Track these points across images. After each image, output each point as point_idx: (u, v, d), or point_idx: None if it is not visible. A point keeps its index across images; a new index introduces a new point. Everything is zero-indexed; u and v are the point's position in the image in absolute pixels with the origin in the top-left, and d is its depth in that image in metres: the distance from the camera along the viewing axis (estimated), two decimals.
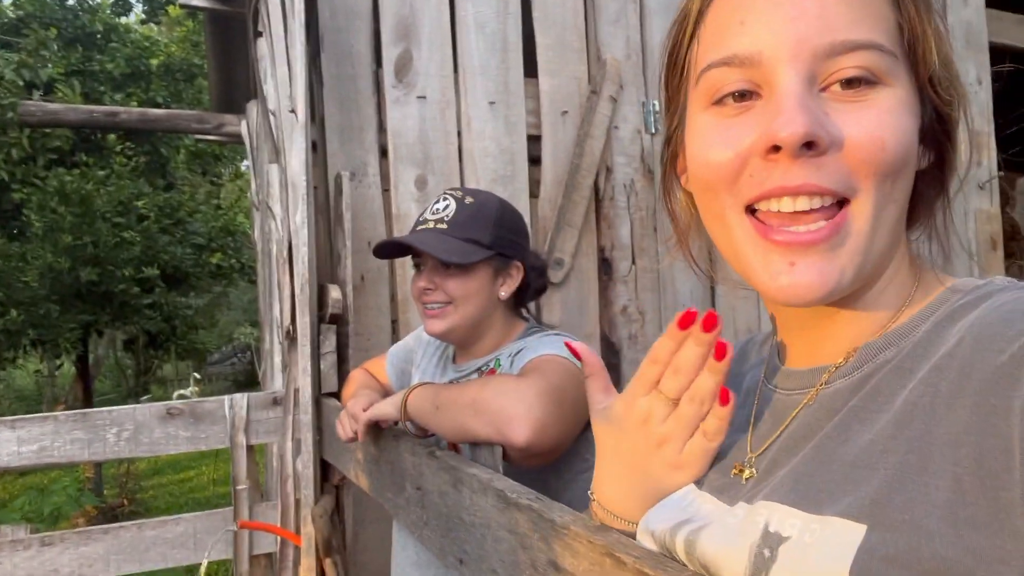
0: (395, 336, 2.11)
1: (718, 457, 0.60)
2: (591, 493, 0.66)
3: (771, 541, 0.45)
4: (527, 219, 1.55)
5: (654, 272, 2.38)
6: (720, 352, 0.53)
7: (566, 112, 2.33)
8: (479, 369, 1.27)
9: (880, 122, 0.47)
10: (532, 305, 1.41)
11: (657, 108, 2.42)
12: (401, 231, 2.11)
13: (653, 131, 2.41)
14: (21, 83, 6.50)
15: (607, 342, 2.34)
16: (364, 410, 1.21)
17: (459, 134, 2.21)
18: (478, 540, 0.86)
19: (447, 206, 1.25)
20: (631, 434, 0.58)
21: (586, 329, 2.30)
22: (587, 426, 1.16)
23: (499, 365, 1.24)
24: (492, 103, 2.23)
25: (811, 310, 0.53)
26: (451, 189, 1.30)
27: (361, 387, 1.37)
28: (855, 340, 0.52)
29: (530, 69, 2.30)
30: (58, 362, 10.14)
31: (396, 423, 1.20)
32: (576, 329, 2.25)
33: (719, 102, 0.51)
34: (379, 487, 1.30)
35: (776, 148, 0.47)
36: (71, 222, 6.29)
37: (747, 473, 0.55)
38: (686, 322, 0.55)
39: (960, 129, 0.52)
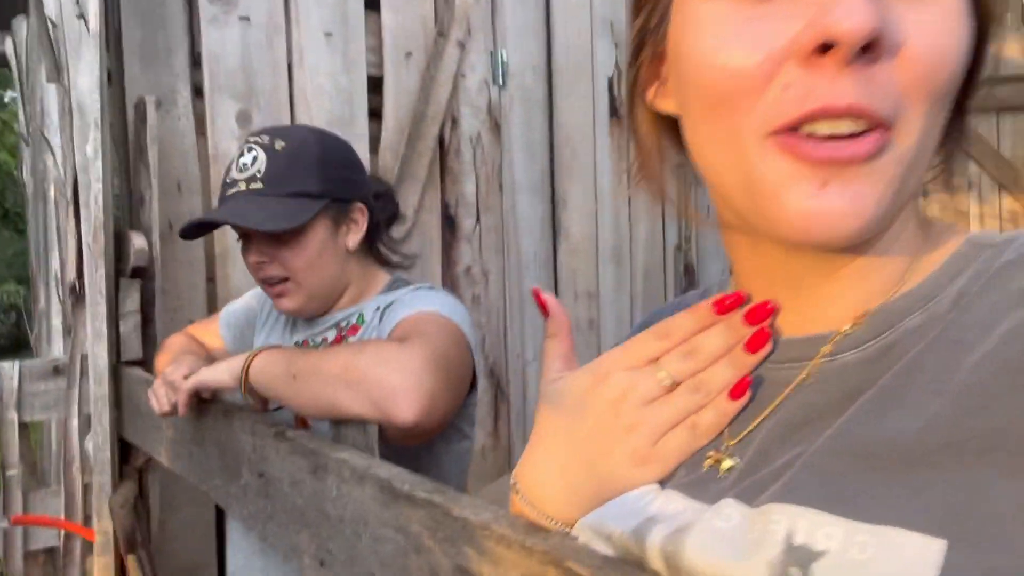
0: (211, 296, 1.84)
1: None
2: (513, 483, 0.52)
3: (799, 556, 0.35)
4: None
5: (499, 232, 2.29)
6: (757, 342, 0.43)
7: (410, 54, 2.14)
8: (337, 324, 1.09)
9: (944, 28, 0.37)
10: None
11: (506, 59, 2.30)
12: (219, 173, 1.82)
13: (501, 83, 2.29)
14: None
15: None
16: (186, 377, 0.98)
17: (290, 67, 1.95)
18: (348, 539, 0.71)
19: (255, 158, 1.01)
20: (593, 415, 0.46)
21: None
22: (470, 391, 1.03)
23: (362, 321, 1.06)
24: (328, 34, 1.99)
25: (810, 262, 0.43)
26: (254, 135, 1.05)
27: (181, 353, 1.13)
28: (863, 303, 0.43)
29: (372, 2, 2.08)
30: None
31: (236, 395, 0.98)
32: None
33: None
34: (202, 473, 1.09)
35: (824, 48, 0.35)
36: None
37: (726, 464, 0.44)
38: (726, 306, 0.45)
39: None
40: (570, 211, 2.46)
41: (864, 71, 0.35)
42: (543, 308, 0.51)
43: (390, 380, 0.80)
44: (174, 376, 1.00)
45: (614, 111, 2.56)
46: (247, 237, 1.05)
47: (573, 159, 2.47)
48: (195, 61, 1.84)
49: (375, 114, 2.10)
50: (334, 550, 0.74)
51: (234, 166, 1.03)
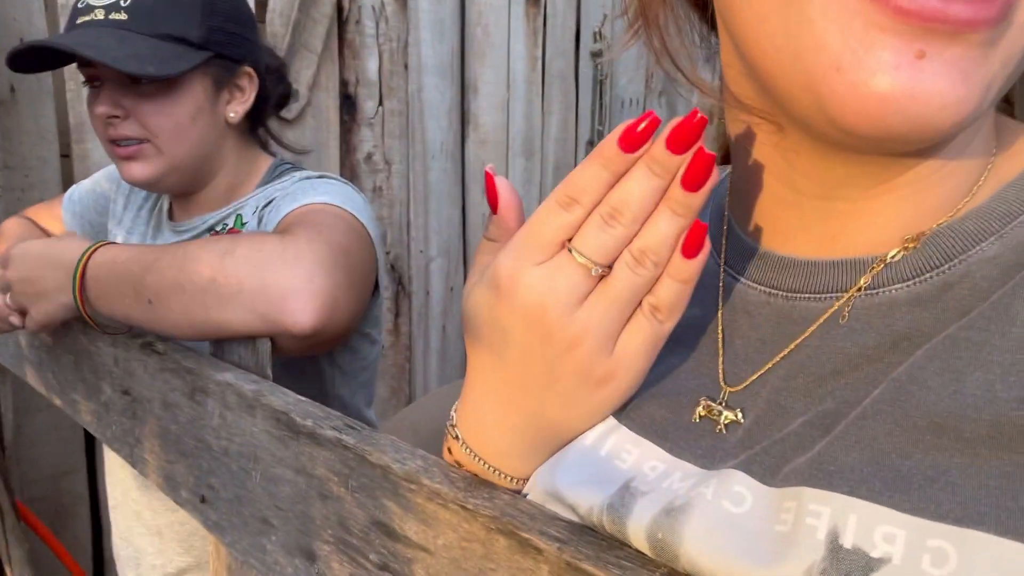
0: (67, 174, 1.58)
1: (654, 378, 0.39)
2: (451, 424, 0.42)
3: (850, 565, 0.26)
4: None
5: (403, 116, 2.09)
6: (697, 172, 0.31)
7: None
8: (211, 228, 0.92)
9: None
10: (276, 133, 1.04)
11: None
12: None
13: None
14: None
15: None
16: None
17: None
18: (235, 475, 0.59)
19: None
20: (515, 340, 0.35)
21: None
22: (374, 293, 0.90)
23: (241, 223, 0.90)
24: None
25: (854, 170, 0.32)
26: None
27: (17, 243, 0.92)
28: (916, 221, 0.33)
29: None
30: None
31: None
32: None
33: None
34: (57, 385, 0.92)
35: None
36: None
37: (726, 416, 0.35)
38: (635, 138, 0.31)
39: None
40: (480, 98, 2.29)
41: None
42: (492, 197, 0.39)
43: (276, 282, 0.65)
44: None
45: None
46: (96, 81, 0.84)
47: (485, 40, 2.27)
48: None
49: None
50: (217, 487, 0.62)
51: None
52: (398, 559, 0.44)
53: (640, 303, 0.34)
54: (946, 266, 0.31)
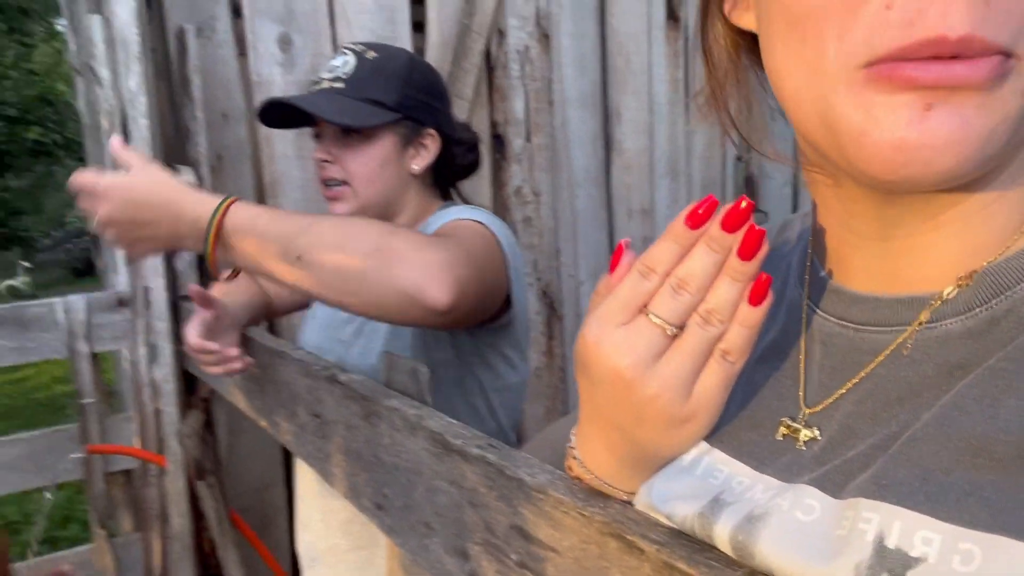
0: None
1: (740, 398, 0.45)
2: (571, 446, 0.50)
3: (892, 562, 0.31)
4: None
5: (549, 149, 2.21)
6: (750, 245, 0.37)
7: None
8: None
9: None
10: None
11: None
12: (263, 100, 1.79)
13: None
14: None
15: None
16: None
17: None
18: (404, 486, 0.70)
19: (345, 62, 1.03)
20: (604, 387, 0.41)
21: None
22: (507, 312, 1.01)
23: None
24: None
25: (902, 208, 0.37)
26: (351, 43, 1.07)
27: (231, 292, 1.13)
28: (969, 260, 0.37)
29: None
30: None
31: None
32: None
33: None
34: (263, 410, 1.10)
35: None
36: None
37: (804, 435, 0.40)
38: (699, 218, 0.38)
39: None
40: (624, 124, 2.35)
41: None
42: (613, 264, 0.46)
43: (428, 262, 0.78)
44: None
45: (671, 13, 2.40)
46: (319, 136, 1.07)
47: (627, 69, 2.34)
48: None
49: (419, 29, 2.01)
50: (390, 496, 0.74)
51: (324, 68, 1.06)
52: (533, 558, 0.52)
53: (712, 352, 0.40)
54: (993, 301, 0.35)
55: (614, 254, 0.46)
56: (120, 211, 0.85)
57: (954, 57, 0.29)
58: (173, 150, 1.71)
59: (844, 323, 0.41)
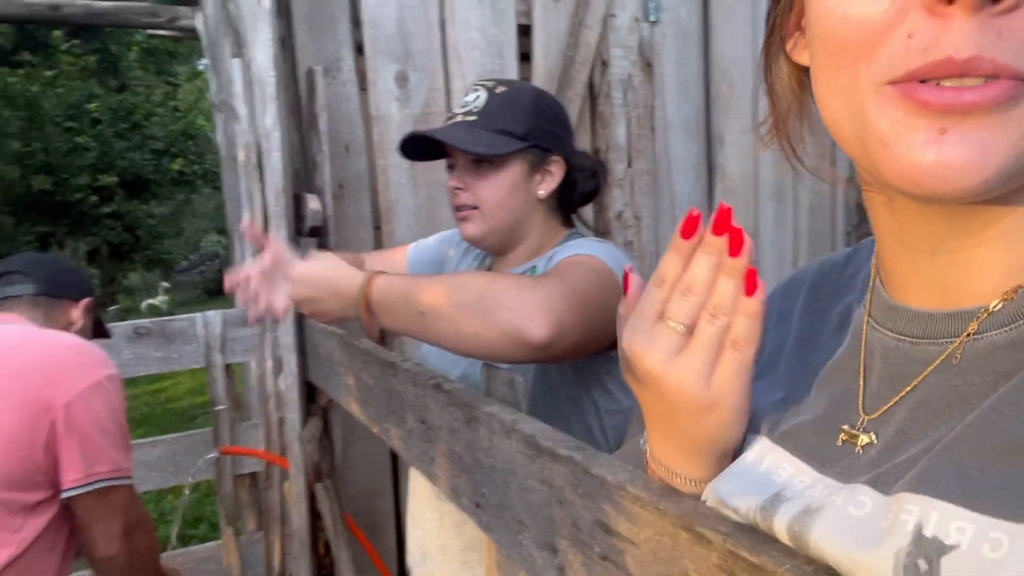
0: (378, 247, 1.97)
1: (807, 409, 0.48)
2: (643, 443, 0.55)
3: (928, 549, 0.34)
4: None
5: (651, 175, 2.24)
6: (736, 243, 0.42)
7: None
8: None
9: None
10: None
11: None
12: (381, 133, 1.93)
13: (653, 19, 2.21)
14: None
15: None
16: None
17: (442, 24, 2.00)
18: (499, 486, 0.77)
19: (476, 97, 1.12)
20: (645, 388, 0.47)
21: None
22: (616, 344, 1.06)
23: (534, 272, 1.13)
24: None
25: (945, 224, 0.40)
26: (482, 80, 1.17)
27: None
28: (1012, 276, 0.39)
29: None
30: None
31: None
32: None
33: None
34: (375, 416, 1.20)
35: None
36: (18, 127, 5.89)
37: (862, 440, 0.43)
38: (690, 229, 0.44)
39: None
40: (727, 149, 2.36)
41: (994, 21, 0.33)
42: (625, 288, 0.53)
43: (525, 303, 0.85)
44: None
45: None
46: (452, 167, 1.16)
47: (731, 93, 2.35)
48: (356, 25, 1.94)
49: (525, 60, 2.11)
50: (487, 495, 0.80)
51: (457, 103, 1.17)
52: (614, 551, 0.57)
53: (723, 343, 0.45)
54: None
55: (624, 278, 0.53)
56: (300, 293, 1.06)
57: (963, 76, 0.33)
58: (301, 179, 1.87)
59: (900, 337, 0.44)
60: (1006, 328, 0.39)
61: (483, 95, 1.12)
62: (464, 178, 1.13)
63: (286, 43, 1.89)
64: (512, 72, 2.06)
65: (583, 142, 2.16)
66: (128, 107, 7.01)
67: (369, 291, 0.99)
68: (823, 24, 0.39)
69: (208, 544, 2.13)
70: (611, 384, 1.09)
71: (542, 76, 2.11)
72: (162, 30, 3.94)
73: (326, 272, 1.06)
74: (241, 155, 1.85)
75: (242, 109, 1.85)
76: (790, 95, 0.48)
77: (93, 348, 1.35)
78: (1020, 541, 0.31)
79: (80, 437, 1.22)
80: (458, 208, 1.14)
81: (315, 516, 1.75)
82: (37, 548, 1.20)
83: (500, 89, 1.12)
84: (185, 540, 3.46)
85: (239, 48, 1.91)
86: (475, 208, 1.12)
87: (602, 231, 2.19)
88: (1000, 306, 0.39)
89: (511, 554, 0.75)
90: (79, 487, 1.22)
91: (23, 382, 1.21)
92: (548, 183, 1.15)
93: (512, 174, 1.12)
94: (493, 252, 1.21)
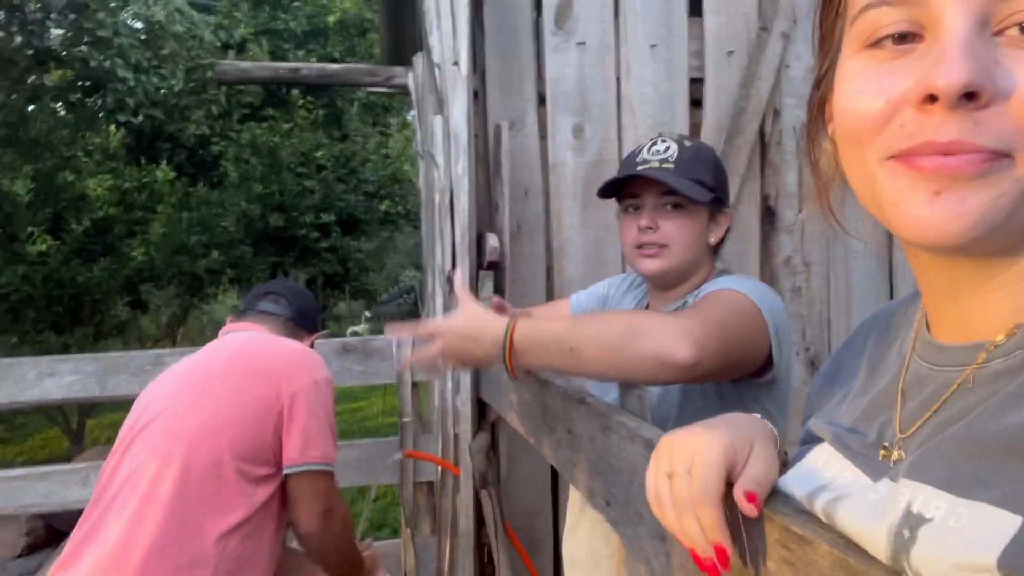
0: (550, 283, 2.15)
1: (867, 431, 0.57)
2: None
3: (912, 521, 0.43)
4: None
5: (824, 221, 2.23)
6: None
7: (732, 52, 2.21)
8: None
9: None
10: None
11: None
12: (557, 179, 2.13)
13: None
14: (218, 44, 7.13)
15: None
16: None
17: (618, 80, 2.17)
18: (625, 485, 0.89)
19: (668, 147, 1.24)
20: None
21: None
22: (761, 372, 1.14)
23: (686, 307, 1.24)
24: (653, 46, 2.17)
25: (959, 273, 0.48)
26: (666, 133, 1.29)
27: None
28: (1016, 315, 0.47)
29: (695, 8, 2.20)
30: None
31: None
32: None
33: (875, 44, 0.46)
34: (532, 428, 1.36)
35: (932, 98, 0.42)
36: (261, 172, 6.90)
37: (895, 455, 0.52)
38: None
39: None
40: None
41: (972, 115, 0.42)
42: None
43: (665, 329, 0.96)
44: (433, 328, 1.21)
45: None
46: (632, 206, 1.27)
47: None
48: (539, 80, 2.17)
49: (695, 110, 2.22)
50: (616, 494, 0.92)
51: (645, 151, 1.26)
52: None
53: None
54: None
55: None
56: (450, 346, 1.18)
57: (947, 155, 0.43)
58: (484, 219, 2.11)
59: (931, 366, 0.53)
60: (1006, 357, 0.46)
61: (674, 147, 1.22)
62: (656, 219, 1.24)
63: (479, 98, 2.16)
64: (683, 122, 2.18)
65: (752, 188, 2.21)
66: (347, 155, 7.92)
67: (513, 334, 1.10)
68: (839, 117, 0.50)
69: (390, 541, 2.40)
70: (756, 411, 1.16)
71: (712, 125, 2.20)
72: (380, 87, 4.50)
73: (475, 320, 1.18)
74: (437, 198, 2.13)
75: (440, 158, 2.13)
76: (832, 168, 0.58)
77: (314, 354, 1.64)
78: (975, 513, 0.40)
79: (301, 424, 1.49)
80: (643, 245, 1.25)
81: (480, 524, 1.93)
82: (263, 512, 1.47)
83: (687, 143, 1.24)
84: None
85: (440, 106, 2.21)
86: (664, 247, 1.24)
87: (768, 276, 2.22)
88: (1004, 340, 0.47)
89: (631, 546, 0.87)
90: (296, 467, 1.49)
91: (263, 374, 1.51)
92: (717, 232, 1.27)
93: (699, 220, 1.24)
94: (664, 288, 1.32)
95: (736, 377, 1.13)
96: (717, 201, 1.25)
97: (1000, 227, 0.44)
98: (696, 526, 0.56)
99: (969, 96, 0.41)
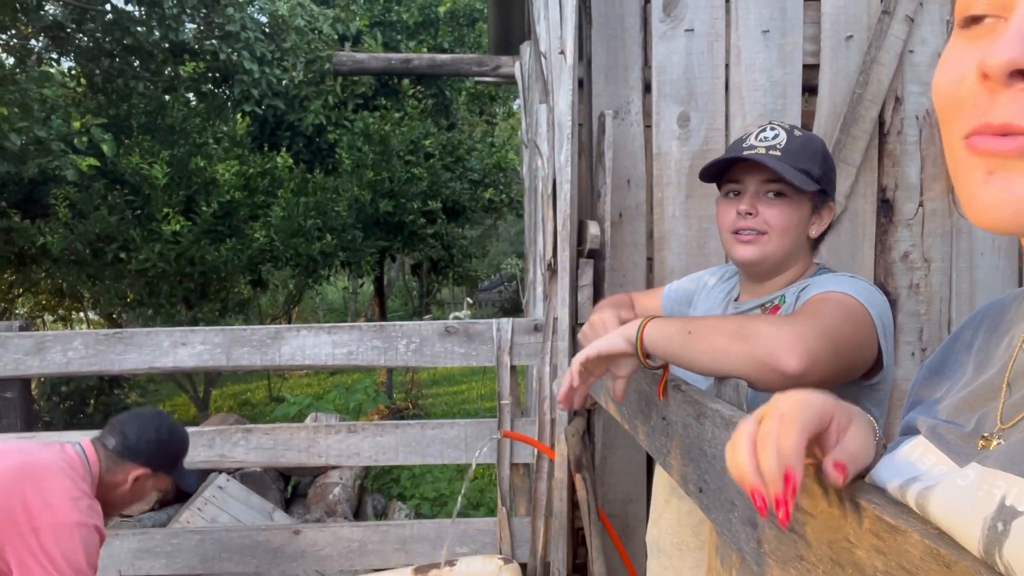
0: (650, 274, 2.15)
1: (965, 422, 0.56)
2: None
3: (1006, 514, 0.43)
4: None
5: (944, 215, 2.12)
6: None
7: (851, 36, 2.12)
8: (762, 305, 1.26)
9: None
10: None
11: None
12: (660, 168, 2.11)
13: None
14: (335, 36, 7.44)
15: (882, 291, 2.15)
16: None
17: (727, 67, 2.13)
18: (718, 472, 0.89)
19: (776, 135, 1.22)
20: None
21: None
22: (869, 375, 1.11)
23: (783, 301, 1.22)
24: (765, 32, 2.11)
25: None
26: (776, 121, 1.26)
27: (607, 306, 1.41)
28: None
29: None
30: (360, 281, 11.74)
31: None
32: None
33: (966, 25, 0.47)
34: (627, 415, 1.37)
35: (987, 76, 0.42)
36: (373, 159, 7.16)
37: (994, 443, 0.51)
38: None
39: None
40: None
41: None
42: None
43: (777, 334, 0.95)
44: (579, 356, 1.18)
45: None
46: (731, 193, 1.26)
47: None
48: (646, 68, 2.15)
49: (808, 98, 2.15)
50: (709, 481, 0.93)
51: (753, 137, 1.24)
52: (798, 522, 0.68)
53: None
54: None
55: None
56: (591, 354, 1.18)
57: (1004, 136, 0.42)
58: (585, 208, 2.13)
59: None
60: None
61: (782, 134, 1.20)
62: (757, 205, 1.22)
63: (584, 87, 2.17)
64: (795, 110, 2.11)
65: (868, 180, 2.12)
66: (454, 143, 8.08)
67: (643, 335, 1.11)
68: (933, 96, 0.50)
69: (487, 519, 2.47)
70: (870, 405, 1.14)
71: (827, 112, 2.12)
72: (487, 77, 4.57)
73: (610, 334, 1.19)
74: (539, 186, 2.16)
75: (544, 147, 2.16)
76: None
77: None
78: None
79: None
80: (739, 231, 1.23)
81: (575, 507, 1.97)
82: None
83: (796, 132, 1.22)
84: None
85: (546, 95, 2.24)
86: (763, 233, 1.22)
87: (883, 271, 2.12)
88: None
89: (723, 532, 0.88)
90: None
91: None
92: (819, 225, 1.24)
93: (801, 210, 1.21)
94: (757, 278, 1.30)
95: (841, 383, 1.10)
96: (822, 194, 1.21)
97: None
98: (772, 459, 0.56)
99: (1020, 74, 0.41)
